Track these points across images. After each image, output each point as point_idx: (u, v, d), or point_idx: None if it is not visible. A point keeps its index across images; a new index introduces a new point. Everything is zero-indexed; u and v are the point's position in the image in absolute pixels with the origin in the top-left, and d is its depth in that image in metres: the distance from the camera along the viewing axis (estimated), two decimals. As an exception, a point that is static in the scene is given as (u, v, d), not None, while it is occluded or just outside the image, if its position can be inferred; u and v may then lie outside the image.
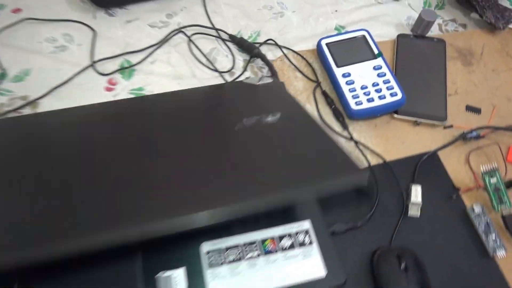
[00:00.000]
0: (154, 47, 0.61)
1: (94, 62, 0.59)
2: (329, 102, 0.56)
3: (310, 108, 0.56)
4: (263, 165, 0.36)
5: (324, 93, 0.57)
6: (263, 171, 0.35)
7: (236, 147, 0.39)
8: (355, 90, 0.54)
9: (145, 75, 0.58)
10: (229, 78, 0.59)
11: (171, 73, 0.59)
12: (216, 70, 0.59)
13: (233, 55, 0.61)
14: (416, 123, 0.56)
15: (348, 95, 0.54)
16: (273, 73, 0.57)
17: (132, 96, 0.56)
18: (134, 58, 0.60)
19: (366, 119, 0.56)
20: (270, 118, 0.42)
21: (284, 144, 0.39)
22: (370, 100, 0.53)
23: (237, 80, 0.58)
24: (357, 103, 0.53)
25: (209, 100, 0.47)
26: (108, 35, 0.62)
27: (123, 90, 0.57)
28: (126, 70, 0.58)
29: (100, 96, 0.56)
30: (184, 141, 0.40)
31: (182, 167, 0.36)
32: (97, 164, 0.37)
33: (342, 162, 0.36)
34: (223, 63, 0.61)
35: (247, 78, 0.52)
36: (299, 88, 0.58)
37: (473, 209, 0.49)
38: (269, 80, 0.52)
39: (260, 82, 0.51)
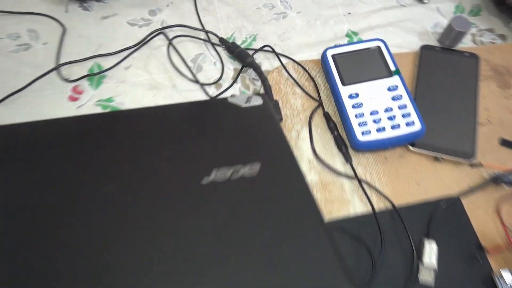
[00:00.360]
0: (131, 50, 0.52)
1: (59, 65, 0.50)
2: (331, 127, 0.47)
3: (306, 134, 0.47)
4: (224, 259, 0.28)
5: (326, 116, 0.48)
6: (222, 271, 0.27)
7: (196, 219, 0.30)
8: (362, 116, 0.44)
9: (116, 83, 0.50)
10: (215, 91, 0.50)
11: (147, 82, 0.50)
12: (197, 82, 0.50)
13: (222, 63, 0.52)
14: (436, 159, 0.45)
15: (354, 122, 0.44)
16: (266, 89, 0.48)
17: (98, 108, 0.48)
18: (106, 62, 0.51)
19: (374, 151, 0.46)
20: (247, 171, 0.33)
21: (257, 224, 0.30)
22: (380, 129, 0.44)
23: (222, 96, 0.49)
24: (364, 133, 0.43)
25: (179, 128, 0.38)
26: (79, 33, 0.53)
27: (90, 101, 0.48)
28: (95, 76, 0.50)
29: (62, 107, 0.48)
30: (129, 197, 0.31)
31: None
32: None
33: (329, 273, 0.27)
34: (210, 72, 0.51)
35: (232, 96, 0.43)
36: (296, 106, 0.49)
37: (501, 276, 0.39)
38: (259, 102, 0.42)
39: (247, 104, 0.42)
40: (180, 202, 0.31)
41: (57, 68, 0.50)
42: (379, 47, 0.49)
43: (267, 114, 0.42)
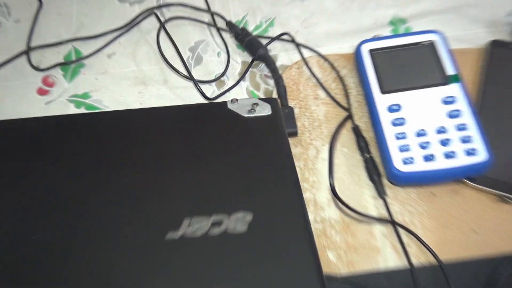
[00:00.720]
0: (116, 33, 0.42)
1: (30, 48, 0.41)
2: (361, 147, 0.36)
3: (324, 158, 0.36)
4: None
5: (356, 131, 0.36)
6: None
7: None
8: (405, 137, 0.33)
9: (95, 74, 0.41)
10: (215, 89, 0.40)
11: (133, 74, 0.41)
12: (190, 79, 0.40)
13: (228, 53, 0.41)
14: (503, 200, 0.34)
15: (393, 144, 0.33)
16: (280, 92, 0.37)
17: (71, 106, 0.39)
18: (86, 47, 0.42)
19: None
20: (233, 224, 0.23)
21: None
22: (428, 158, 0.32)
23: (222, 98, 0.39)
24: (405, 161, 0.32)
25: (151, 147, 0.28)
26: (58, 10, 0.44)
27: (61, 96, 0.39)
28: (71, 65, 0.41)
29: (28, 102, 0.39)
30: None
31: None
32: None
33: None
34: (211, 65, 0.41)
35: (233, 101, 0.32)
36: (318, 116, 0.38)
37: None
38: (267, 111, 0.32)
39: (250, 114, 0.32)
40: (132, 268, 0.22)
41: (27, 51, 0.41)
42: (432, 43, 0.37)
43: (276, 130, 0.31)
